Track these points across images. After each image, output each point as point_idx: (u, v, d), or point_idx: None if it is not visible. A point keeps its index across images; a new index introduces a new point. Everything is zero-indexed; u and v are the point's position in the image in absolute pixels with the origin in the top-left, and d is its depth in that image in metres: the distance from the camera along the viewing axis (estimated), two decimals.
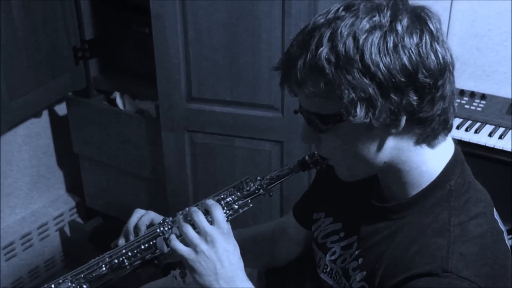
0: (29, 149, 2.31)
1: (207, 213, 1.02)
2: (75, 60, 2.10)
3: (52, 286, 1.07)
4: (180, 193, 1.99)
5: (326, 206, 1.15)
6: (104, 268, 1.07)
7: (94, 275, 1.07)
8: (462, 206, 0.93)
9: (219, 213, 1.01)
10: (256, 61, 1.71)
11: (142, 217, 1.14)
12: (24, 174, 2.32)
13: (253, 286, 1.01)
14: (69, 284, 1.06)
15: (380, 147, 0.92)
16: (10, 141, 2.21)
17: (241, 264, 1.01)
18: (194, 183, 1.96)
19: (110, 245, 2.43)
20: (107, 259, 1.08)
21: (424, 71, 0.84)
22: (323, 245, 1.12)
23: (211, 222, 1.00)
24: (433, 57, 0.85)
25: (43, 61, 2.00)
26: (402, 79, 0.84)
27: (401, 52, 0.83)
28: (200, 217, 1.00)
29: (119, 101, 2.12)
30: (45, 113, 2.32)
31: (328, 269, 1.10)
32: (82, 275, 1.07)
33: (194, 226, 1.01)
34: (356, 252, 1.03)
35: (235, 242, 1.01)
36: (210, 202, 1.03)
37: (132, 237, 1.13)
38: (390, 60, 0.83)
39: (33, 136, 2.31)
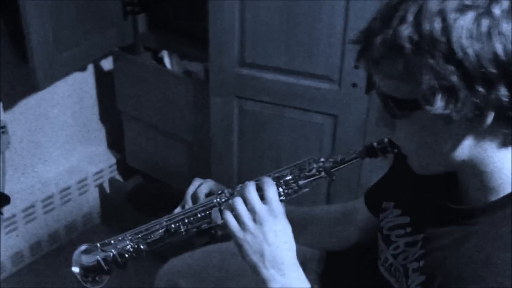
0: (72, 103, 2.26)
1: (261, 190, 0.97)
2: (123, 15, 2.02)
3: (112, 242, 1.07)
4: (224, 160, 1.92)
5: (397, 197, 1.06)
6: (161, 231, 1.06)
7: (151, 237, 1.06)
8: None
9: (272, 192, 0.95)
10: (315, 28, 1.60)
11: (200, 185, 1.12)
12: (65, 128, 2.28)
13: (301, 271, 0.95)
14: (128, 242, 1.06)
15: (457, 144, 0.82)
16: (53, 94, 2.16)
17: (291, 246, 0.95)
18: (240, 151, 1.89)
19: (148, 205, 2.40)
20: (164, 223, 1.07)
21: None
22: (387, 237, 1.04)
23: (264, 200, 0.95)
24: None
25: (91, 14, 1.93)
26: (493, 70, 0.73)
27: (495, 38, 0.73)
28: (251, 194, 0.95)
29: (166, 61, 2.04)
30: (90, 68, 2.27)
31: (388, 263, 1.03)
32: (140, 236, 1.07)
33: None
34: (419, 252, 0.94)
35: (286, 223, 0.96)
36: (266, 179, 0.98)
37: (188, 206, 1.11)
38: (482, 47, 0.73)
39: (77, 90, 2.26)
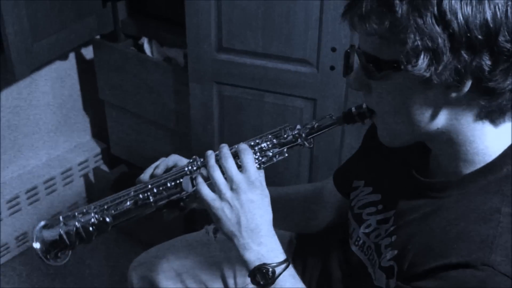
0: (55, 92, 2.25)
1: (238, 157, 0.95)
2: (102, 2, 2.00)
3: (76, 214, 1.04)
4: (205, 146, 1.88)
5: (368, 175, 1.06)
6: (128, 203, 1.02)
7: (118, 208, 1.02)
8: None
9: (249, 160, 0.94)
10: (292, 11, 1.58)
11: (166, 159, 1.11)
12: (49, 117, 2.27)
13: (277, 241, 0.94)
14: (92, 215, 1.02)
15: (432, 111, 0.81)
16: (35, 84, 2.15)
17: (267, 216, 0.94)
18: (220, 136, 1.88)
19: None
20: (132, 193, 1.03)
21: (506, 34, 0.73)
22: (358, 215, 1.04)
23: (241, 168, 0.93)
24: None
25: (69, 2, 1.91)
26: (479, 37, 0.73)
27: (487, 5, 0.72)
28: (229, 163, 0.93)
29: (146, 47, 2.02)
30: (72, 56, 2.25)
31: (360, 242, 1.03)
32: (106, 207, 1.03)
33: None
34: (391, 229, 0.94)
35: (263, 192, 0.94)
36: (243, 146, 0.96)
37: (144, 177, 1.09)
38: (471, 11, 0.72)
39: (60, 79, 2.24)
